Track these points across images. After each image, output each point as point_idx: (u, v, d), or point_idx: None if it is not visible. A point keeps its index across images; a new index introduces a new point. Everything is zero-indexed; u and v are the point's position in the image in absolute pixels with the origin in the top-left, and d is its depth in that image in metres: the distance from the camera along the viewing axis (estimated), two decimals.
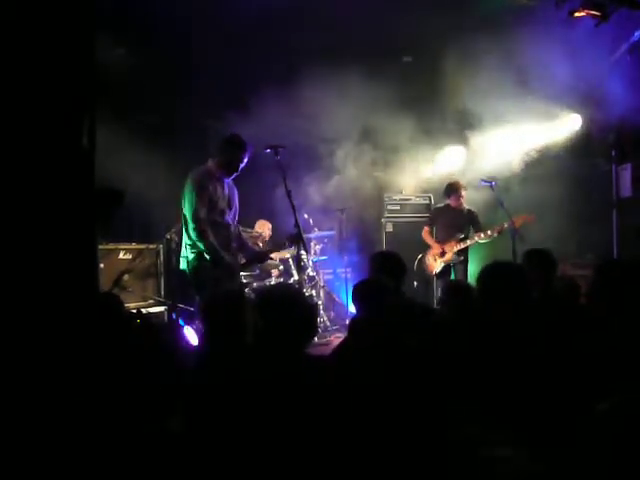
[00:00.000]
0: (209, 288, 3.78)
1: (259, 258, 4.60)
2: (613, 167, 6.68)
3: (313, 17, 5.44)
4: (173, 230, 5.95)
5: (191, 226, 3.92)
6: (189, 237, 3.98)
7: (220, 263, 3.91)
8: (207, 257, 3.92)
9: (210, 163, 4.11)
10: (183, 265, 4.08)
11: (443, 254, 6.01)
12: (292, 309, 2.09)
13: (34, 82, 2.10)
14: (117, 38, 5.33)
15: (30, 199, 2.03)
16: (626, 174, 6.50)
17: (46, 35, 2.13)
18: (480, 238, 5.82)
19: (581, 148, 6.46)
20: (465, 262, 6.00)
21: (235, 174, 4.15)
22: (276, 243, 4.53)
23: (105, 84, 3.90)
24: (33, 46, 2.07)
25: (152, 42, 5.70)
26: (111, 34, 5.07)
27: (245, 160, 4.09)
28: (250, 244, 4.64)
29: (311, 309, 2.30)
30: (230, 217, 4.17)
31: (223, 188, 4.11)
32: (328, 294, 7.11)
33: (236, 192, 4.28)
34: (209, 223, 3.93)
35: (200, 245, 3.92)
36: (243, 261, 4.29)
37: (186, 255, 4.04)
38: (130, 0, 5.00)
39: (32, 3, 2.11)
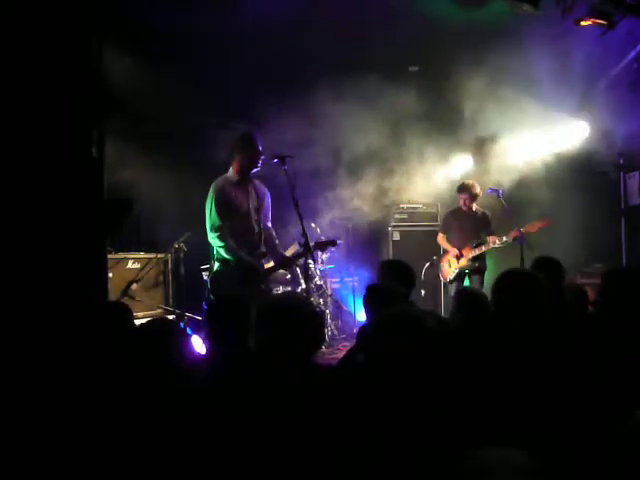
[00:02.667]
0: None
1: (286, 263, 4.56)
2: (621, 175, 6.66)
3: (323, 28, 5.46)
4: (181, 239, 5.99)
5: (210, 235, 4.07)
6: (211, 246, 4.12)
7: (242, 268, 3.98)
8: (230, 261, 4.00)
9: (230, 170, 4.19)
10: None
11: (460, 258, 5.85)
12: (298, 317, 2.09)
13: (45, 95, 2.14)
14: (125, 50, 5.38)
15: (41, 208, 2.06)
16: (634, 182, 6.48)
17: (56, 50, 2.17)
18: (495, 243, 5.67)
19: (589, 156, 6.44)
20: (482, 270, 5.83)
21: (256, 169, 4.16)
22: (299, 250, 4.45)
23: (114, 95, 3.96)
24: (44, 60, 2.11)
25: (160, 53, 5.75)
26: (119, 46, 5.13)
27: (261, 149, 4.12)
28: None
29: (317, 317, 2.30)
30: (259, 220, 4.21)
31: (247, 192, 4.16)
32: (336, 303, 7.10)
33: (267, 194, 4.32)
34: (230, 230, 4.03)
35: (221, 252, 4.03)
36: (271, 264, 4.30)
37: (212, 265, 4.20)
38: (137, 12, 5.05)
39: (42, 21, 2.15)
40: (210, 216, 4.05)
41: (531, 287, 2.62)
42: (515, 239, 5.52)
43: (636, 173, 6.48)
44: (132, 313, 2.89)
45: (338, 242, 6.97)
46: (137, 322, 5.55)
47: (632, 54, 5.83)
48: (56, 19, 2.18)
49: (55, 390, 2.01)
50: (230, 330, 2.49)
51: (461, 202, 5.98)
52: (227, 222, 4.03)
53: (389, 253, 7.31)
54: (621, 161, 6.58)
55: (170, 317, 5.72)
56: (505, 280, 2.67)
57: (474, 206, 5.94)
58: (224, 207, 4.03)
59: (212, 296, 4.17)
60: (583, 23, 4.99)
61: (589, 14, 4.96)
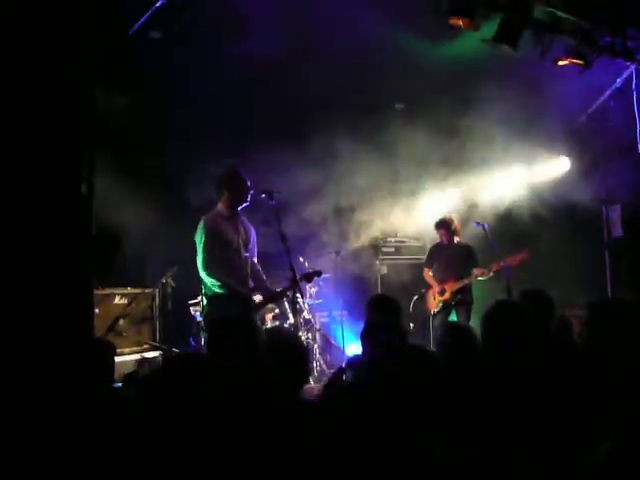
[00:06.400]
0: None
1: (275, 297, 4.55)
2: (603, 208, 6.78)
3: (312, 66, 5.54)
4: (169, 274, 5.97)
5: (202, 270, 4.02)
6: (202, 281, 4.07)
7: (235, 298, 3.96)
8: (223, 295, 3.96)
9: (219, 205, 4.19)
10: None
11: (443, 293, 5.89)
12: (283, 352, 2.09)
13: (35, 131, 2.17)
14: (117, 86, 5.44)
15: (29, 245, 2.06)
16: (616, 214, 6.60)
17: (47, 87, 2.21)
18: (477, 275, 5.73)
19: (571, 190, 6.57)
20: (467, 302, 5.84)
21: (245, 204, 4.19)
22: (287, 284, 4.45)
23: (104, 132, 4.01)
24: (35, 97, 2.15)
25: (152, 89, 5.81)
26: (110, 82, 5.19)
27: (249, 184, 4.15)
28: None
29: (302, 352, 2.30)
30: (247, 255, 4.22)
31: (236, 227, 4.18)
32: (324, 337, 7.06)
33: (253, 230, 4.34)
34: (224, 263, 4.01)
35: (214, 288, 3.99)
36: (260, 299, 4.29)
37: (203, 302, 4.17)
38: (130, 48, 5.12)
39: (33, 55, 2.20)
40: (203, 251, 4.01)
41: (519, 318, 2.65)
42: (498, 272, 5.58)
43: (617, 206, 6.60)
44: (115, 350, 2.86)
45: (326, 276, 7.02)
46: (125, 358, 5.47)
47: (608, 92, 6.03)
48: (45, 53, 2.23)
49: (39, 425, 1.98)
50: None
51: (442, 237, 6.04)
52: (219, 257, 4.01)
53: (377, 287, 7.32)
54: (602, 194, 6.70)
55: (157, 353, 5.66)
56: (494, 311, 2.71)
57: (456, 239, 5.99)
58: (216, 242, 4.02)
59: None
60: (561, 63, 5.18)
61: (566, 54, 5.15)
